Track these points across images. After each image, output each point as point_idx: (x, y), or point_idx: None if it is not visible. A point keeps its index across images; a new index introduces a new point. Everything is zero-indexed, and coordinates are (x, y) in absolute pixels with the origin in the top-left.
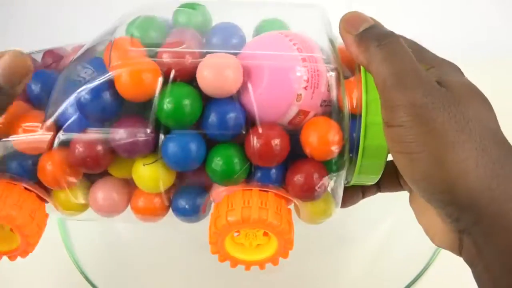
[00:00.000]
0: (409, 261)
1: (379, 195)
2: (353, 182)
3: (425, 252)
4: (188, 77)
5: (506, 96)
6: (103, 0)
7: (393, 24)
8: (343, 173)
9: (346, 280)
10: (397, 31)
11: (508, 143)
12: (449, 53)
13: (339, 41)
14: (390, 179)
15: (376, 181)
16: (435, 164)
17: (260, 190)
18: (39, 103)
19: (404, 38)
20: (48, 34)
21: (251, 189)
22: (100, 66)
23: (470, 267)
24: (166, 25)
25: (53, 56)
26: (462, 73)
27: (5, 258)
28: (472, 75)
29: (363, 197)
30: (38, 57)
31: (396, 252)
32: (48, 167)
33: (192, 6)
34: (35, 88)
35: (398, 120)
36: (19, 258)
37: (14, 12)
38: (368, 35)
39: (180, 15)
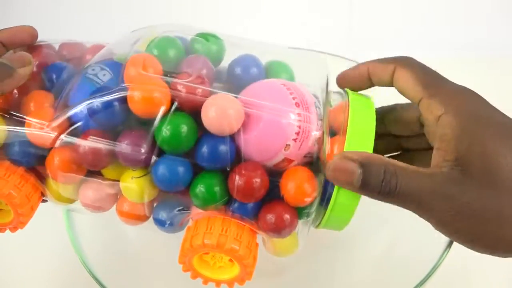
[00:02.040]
0: (415, 264)
1: None
2: (321, 227)
3: (431, 254)
4: (192, 109)
5: (506, 96)
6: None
7: (393, 24)
8: (311, 219)
9: (350, 282)
10: (398, 30)
11: None
12: (449, 53)
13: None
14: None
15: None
16: (497, 240)
17: (238, 222)
18: (54, 94)
19: (422, 67)
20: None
21: (231, 219)
22: (117, 72)
23: None
24: (184, 47)
25: (69, 49)
26: (481, 100)
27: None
28: (472, 75)
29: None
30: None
31: (401, 254)
32: (56, 162)
33: (207, 37)
34: (51, 78)
35: (449, 230)
36: (27, 258)
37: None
38: (367, 189)
39: (196, 43)
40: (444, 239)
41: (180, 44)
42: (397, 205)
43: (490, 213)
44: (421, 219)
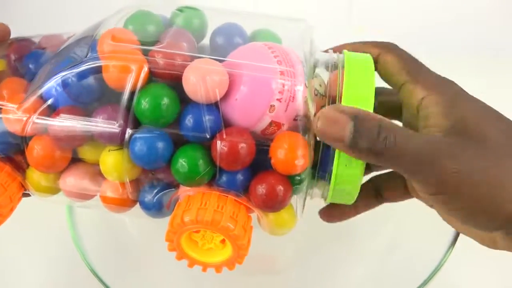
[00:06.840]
0: (417, 263)
1: None
2: (329, 200)
3: (434, 254)
4: (173, 78)
5: (506, 96)
6: None
7: (394, 23)
8: (305, 187)
9: (351, 282)
10: (398, 29)
11: None
12: (449, 52)
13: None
14: (394, 190)
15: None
16: (490, 206)
17: (235, 200)
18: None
19: (407, 54)
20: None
21: (227, 197)
22: (95, 48)
23: None
24: (163, 21)
25: (50, 40)
26: (462, 88)
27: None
28: (472, 75)
29: (359, 212)
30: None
31: (403, 254)
32: (37, 150)
33: (188, 10)
34: (28, 67)
35: (448, 192)
36: (28, 254)
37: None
38: (358, 145)
39: (176, 17)
40: (446, 239)
41: (159, 18)
42: (387, 165)
43: (492, 173)
44: (423, 218)
